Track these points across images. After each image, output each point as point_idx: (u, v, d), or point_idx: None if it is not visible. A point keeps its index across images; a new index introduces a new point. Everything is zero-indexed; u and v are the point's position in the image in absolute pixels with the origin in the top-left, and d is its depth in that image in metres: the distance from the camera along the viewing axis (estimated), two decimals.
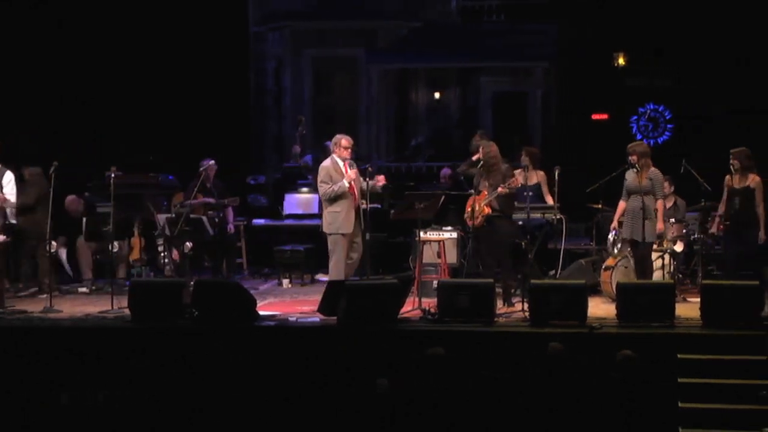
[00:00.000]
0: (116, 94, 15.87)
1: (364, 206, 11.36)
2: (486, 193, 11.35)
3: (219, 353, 9.70)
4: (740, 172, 11.34)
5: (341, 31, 20.22)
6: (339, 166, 11.30)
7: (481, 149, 11.51)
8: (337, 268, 11.23)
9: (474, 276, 11.45)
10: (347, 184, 11.18)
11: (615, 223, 11.52)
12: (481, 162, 11.44)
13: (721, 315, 9.65)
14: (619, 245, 11.80)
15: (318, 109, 19.85)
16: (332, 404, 9.24)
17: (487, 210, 11.30)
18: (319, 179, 11.39)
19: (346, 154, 11.36)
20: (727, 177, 11.44)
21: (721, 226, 11.61)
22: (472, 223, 11.40)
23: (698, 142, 15.98)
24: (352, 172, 11.27)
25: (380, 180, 11.64)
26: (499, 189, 11.24)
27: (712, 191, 12.06)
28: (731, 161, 11.41)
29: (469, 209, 11.47)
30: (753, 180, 11.26)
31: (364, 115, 20.31)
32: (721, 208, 11.52)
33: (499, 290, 11.01)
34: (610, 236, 12.01)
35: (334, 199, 11.22)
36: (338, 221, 11.21)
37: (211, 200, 13.26)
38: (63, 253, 13.51)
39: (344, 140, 11.42)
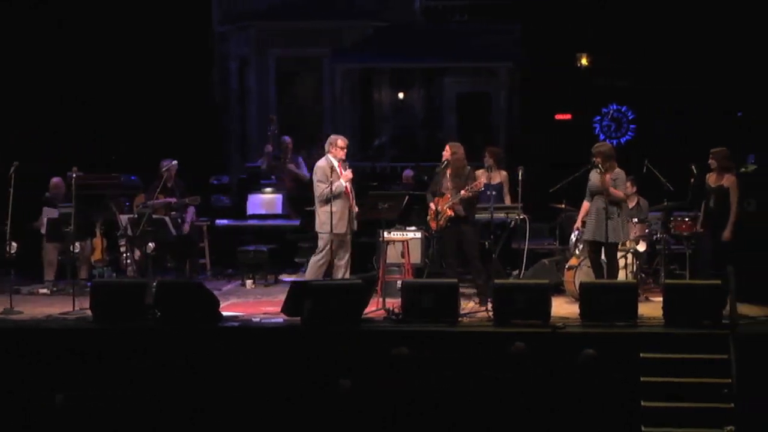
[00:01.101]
0: (78, 93, 15.72)
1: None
2: (449, 195, 11.36)
3: (182, 354, 9.62)
4: (717, 172, 11.46)
5: (306, 31, 20.16)
6: (335, 167, 11.30)
7: (448, 150, 11.51)
8: (315, 267, 11.21)
9: (438, 276, 11.45)
10: (344, 185, 11.20)
11: (579, 223, 11.57)
12: (446, 163, 11.44)
13: (683, 314, 9.69)
14: (581, 246, 11.83)
15: (282, 109, 19.76)
16: (295, 405, 9.19)
17: (450, 212, 11.31)
18: (315, 179, 11.37)
19: (342, 154, 11.37)
20: (707, 176, 11.56)
21: (698, 226, 11.76)
22: (436, 224, 11.41)
23: (661, 142, 16.06)
24: (348, 173, 11.29)
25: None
26: (462, 192, 11.26)
27: (674, 191, 12.11)
28: (709, 160, 11.52)
29: (432, 211, 11.47)
30: (728, 180, 11.35)
31: (328, 114, 20.26)
32: (704, 207, 11.65)
33: (464, 290, 11.01)
34: (573, 236, 12.05)
35: (329, 199, 11.21)
36: (334, 221, 11.20)
37: (173, 200, 13.17)
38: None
39: (340, 140, 11.44)
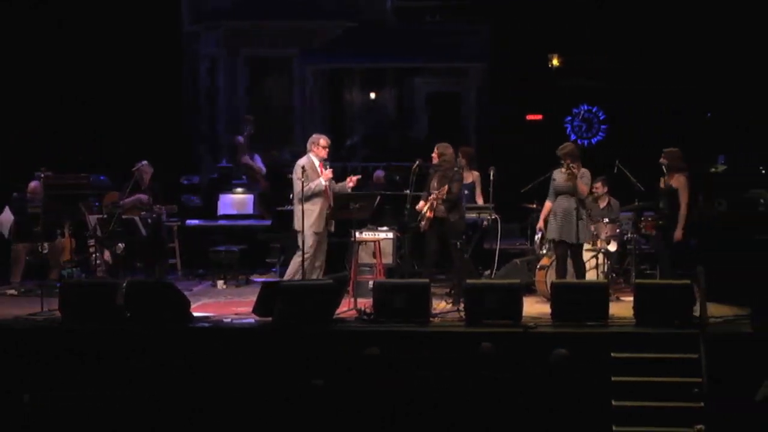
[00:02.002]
0: (46, 92, 15.64)
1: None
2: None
3: (152, 355, 9.61)
4: (669, 172, 11.53)
5: (276, 30, 20.10)
6: (315, 165, 11.32)
7: (436, 152, 11.55)
8: (298, 267, 11.23)
9: (410, 276, 11.49)
10: (324, 183, 11.22)
11: (541, 223, 11.59)
12: (433, 165, 11.49)
13: (654, 314, 9.76)
14: (545, 246, 11.91)
15: (253, 109, 19.71)
16: (268, 405, 9.20)
17: (430, 214, 11.36)
18: (294, 177, 11.38)
19: (324, 153, 11.40)
20: (662, 178, 11.66)
21: (651, 227, 11.85)
22: (422, 225, 11.45)
23: (632, 142, 16.15)
24: (328, 172, 11.32)
25: (351, 180, 11.63)
26: (431, 197, 11.33)
27: (645, 191, 12.20)
28: (661, 159, 11.60)
29: (418, 209, 11.48)
30: (677, 180, 11.43)
31: (299, 114, 20.22)
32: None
33: (435, 290, 11.06)
34: (537, 236, 12.11)
35: (309, 197, 11.22)
36: (311, 219, 11.22)
37: (142, 197, 13.14)
38: None
39: (322, 140, 11.47)
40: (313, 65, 20.30)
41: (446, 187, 11.40)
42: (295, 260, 11.41)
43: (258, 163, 14.93)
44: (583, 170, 11.10)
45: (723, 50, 16.09)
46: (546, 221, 11.41)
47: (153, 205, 13.22)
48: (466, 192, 12.08)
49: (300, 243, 11.31)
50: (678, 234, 11.37)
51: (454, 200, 11.38)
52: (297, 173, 11.34)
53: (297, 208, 11.35)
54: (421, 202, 11.53)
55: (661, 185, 11.71)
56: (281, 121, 19.41)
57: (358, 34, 20.17)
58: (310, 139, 11.57)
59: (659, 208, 11.74)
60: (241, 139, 15.50)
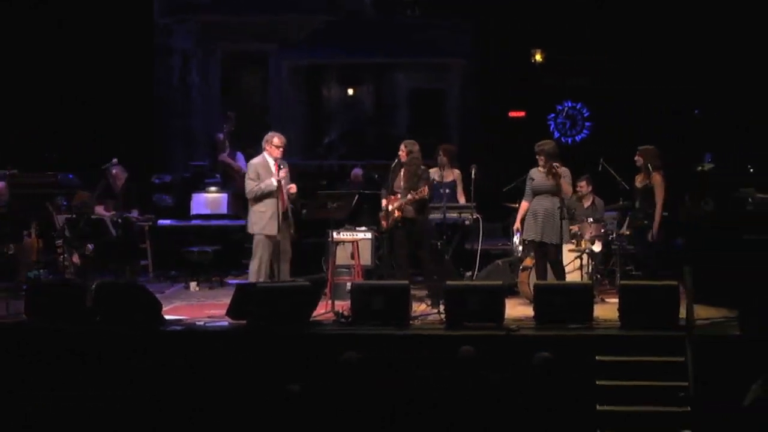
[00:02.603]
0: (11, 88, 15.57)
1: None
2: (400, 195, 11.42)
3: (123, 359, 9.57)
4: (644, 171, 11.57)
5: (252, 24, 20.06)
6: (269, 165, 11.24)
7: (404, 149, 11.54)
8: (257, 271, 11.17)
9: (388, 278, 11.48)
10: (275, 184, 11.13)
11: (518, 224, 11.55)
12: (396, 162, 11.48)
13: (639, 316, 9.78)
14: (520, 246, 11.92)
15: (227, 106, 19.66)
16: (242, 411, 9.17)
17: (398, 213, 11.36)
18: (247, 177, 11.32)
19: (278, 153, 11.29)
20: (636, 176, 11.71)
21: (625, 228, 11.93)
22: (386, 223, 11.45)
23: (617, 140, 16.18)
24: (282, 172, 11.20)
25: (291, 188, 11.51)
26: (409, 196, 11.33)
27: (630, 190, 12.23)
28: (636, 157, 11.62)
29: (384, 210, 11.52)
30: (653, 179, 11.46)
31: (275, 111, 20.19)
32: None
33: (415, 292, 11.05)
34: (515, 238, 12.11)
35: (260, 198, 11.16)
36: (263, 221, 11.15)
37: (105, 214, 13.09)
38: None
39: (276, 138, 11.36)
40: (290, 60, 20.28)
41: (425, 188, 11.41)
42: (251, 265, 11.34)
43: (240, 161, 14.89)
44: (563, 169, 11.07)
45: (711, 46, 16.15)
46: (522, 222, 11.35)
47: (128, 210, 13.17)
48: (447, 191, 12.08)
49: (253, 246, 11.26)
50: (654, 234, 11.40)
51: (424, 201, 11.39)
52: (249, 173, 11.26)
53: (249, 209, 11.30)
54: (384, 201, 11.50)
55: (637, 184, 11.74)
56: (257, 118, 19.37)
57: (337, 29, 20.15)
58: (265, 138, 11.47)
59: (635, 208, 11.78)
60: (221, 136, 15.47)
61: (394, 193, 11.49)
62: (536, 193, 11.07)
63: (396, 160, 11.54)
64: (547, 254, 11.10)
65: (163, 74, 19.40)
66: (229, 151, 15.02)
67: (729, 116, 15.77)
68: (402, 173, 11.55)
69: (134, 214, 13.56)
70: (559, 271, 11.07)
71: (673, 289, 9.88)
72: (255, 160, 11.37)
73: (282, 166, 11.30)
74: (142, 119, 17.29)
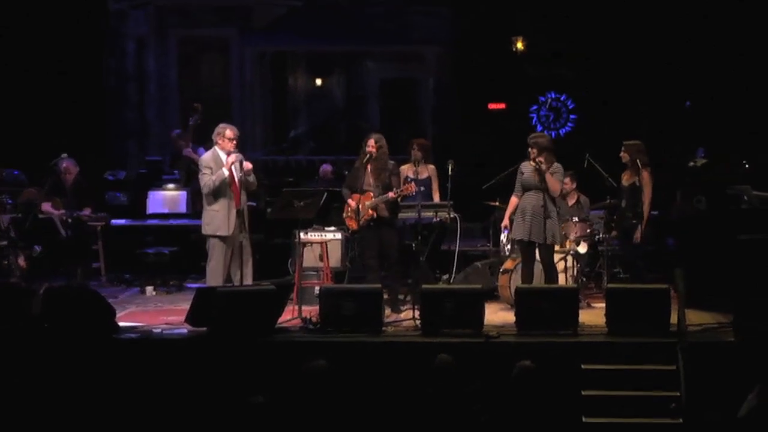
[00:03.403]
0: None
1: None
2: (372, 194, 11.41)
3: (73, 370, 9.52)
4: (631, 167, 11.61)
5: (211, 8, 20.04)
6: (221, 159, 11.18)
7: (372, 143, 11.54)
8: (214, 274, 11.13)
9: (360, 281, 11.48)
10: (226, 173, 11.04)
11: (506, 221, 11.54)
12: (369, 157, 11.49)
13: (627, 321, 9.81)
14: (508, 246, 11.94)
15: (185, 96, 19.63)
16: (202, 424, 9.16)
17: (372, 213, 11.37)
18: (200, 173, 11.26)
19: (231, 146, 11.21)
20: (623, 174, 11.75)
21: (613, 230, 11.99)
22: (355, 224, 11.44)
23: (603, 134, 16.24)
24: (232, 157, 11.10)
25: (247, 166, 11.37)
26: (390, 194, 11.34)
27: (618, 187, 12.26)
28: (621, 153, 11.67)
29: (351, 209, 11.50)
30: (641, 176, 11.50)
31: (237, 102, 20.17)
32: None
33: (388, 296, 11.07)
34: (503, 236, 12.13)
35: (215, 196, 11.10)
36: (216, 221, 11.09)
37: (54, 213, 13.04)
38: None
39: (229, 131, 11.27)
40: (253, 47, 20.27)
41: (413, 184, 11.43)
42: (207, 269, 11.30)
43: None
44: (556, 165, 11.03)
45: (703, 32, 16.24)
46: (512, 219, 11.36)
47: (80, 209, 13.12)
48: (421, 188, 12.09)
49: (208, 248, 11.22)
50: (638, 235, 11.46)
51: (395, 199, 11.42)
52: (202, 169, 11.20)
53: (203, 211, 11.25)
54: (351, 201, 11.47)
55: (624, 182, 11.79)
56: (217, 109, 19.32)
57: (304, 13, 20.16)
58: (216, 131, 11.37)
59: (621, 207, 11.83)
60: (176, 133, 15.45)
61: (363, 192, 11.47)
62: (526, 188, 11.04)
63: (366, 156, 11.52)
64: (539, 255, 11.07)
65: (116, 63, 19.35)
66: (192, 146, 14.98)
67: (723, 108, 15.85)
68: (370, 169, 11.54)
69: (86, 212, 13.49)
70: (552, 274, 11.06)
71: (664, 293, 9.91)
72: (206, 155, 11.31)
73: (233, 156, 11.15)
74: (94, 111, 17.22)
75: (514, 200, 11.26)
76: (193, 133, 15.20)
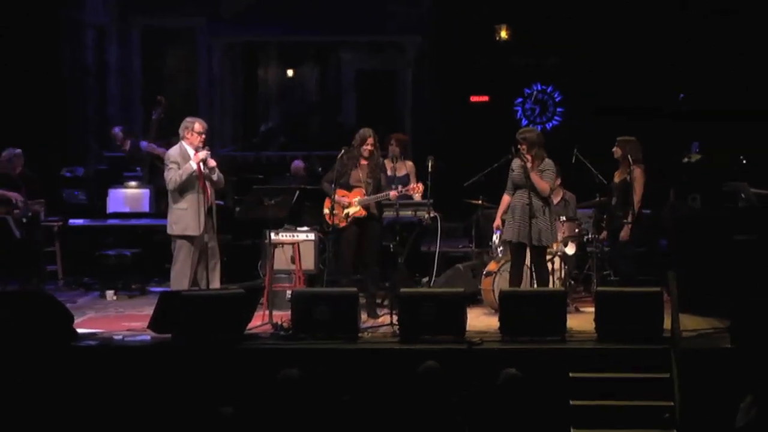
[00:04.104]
0: None
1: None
2: (363, 190, 11.38)
3: (28, 380, 9.47)
4: (623, 164, 11.63)
5: None
6: (188, 154, 11.12)
7: (372, 142, 11.49)
8: (179, 277, 11.08)
9: (334, 284, 11.45)
10: (194, 166, 10.98)
11: (498, 221, 11.56)
12: (357, 152, 11.45)
13: (618, 327, 9.79)
14: (501, 248, 11.92)
15: (149, 89, 19.59)
16: None
17: (363, 212, 11.35)
18: (166, 168, 11.19)
19: (199, 141, 11.16)
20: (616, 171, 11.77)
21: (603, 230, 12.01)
22: (338, 221, 11.39)
23: (592, 128, 16.28)
24: (202, 153, 11.05)
25: (210, 163, 11.31)
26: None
27: (607, 184, 12.27)
28: (614, 149, 11.68)
29: (337, 205, 11.43)
30: (634, 173, 11.51)
31: (204, 96, 20.16)
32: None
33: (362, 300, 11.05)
34: (495, 237, 12.12)
35: (181, 193, 11.05)
36: (184, 221, 11.04)
37: (12, 194, 12.96)
38: None
39: (197, 124, 11.22)
40: (220, 38, 20.25)
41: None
42: (172, 271, 11.26)
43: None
44: (546, 161, 11.00)
45: (699, 20, 16.29)
46: (503, 219, 11.34)
47: (27, 201, 13.02)
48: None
49: (174, 250, 11.17)
50: (624, 233, 11.48)
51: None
52: (168, 163, 11.13)
53: (169, 210, 11.19)
54: (342, 195, 11.42)
55: (615, 179, 11.80)
56: (184, 102, 19.30)
57: (275, 1, 20.15)
58: (183, 124, 11.32)
59: (611, 206, 11.84)
60: (118, 131, 15.42)
61: (351, 188, 11.44)
62: (516, 187, 11.03)
63: (354, 150, 11.48)
64: (524, 257, 11.04)
65: (73, 54, 19.25)
66: (147, 142, 14.94)
67: (719, 100, 15.90)
68: (364, 165, 11.49)
69: (38, 207, 13.42)
70: (542, 278, 11.04)
71: (657, 297, 9.91)
72: (172, 150, 11.23)
73: (201, 151, 11.11)
74: (51, 104, 17.14)
75: (506, 199, 11.24)
76: (157, 128, 15.14)
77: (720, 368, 9.23)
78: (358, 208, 11.40)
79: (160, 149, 14.87)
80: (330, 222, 11.59)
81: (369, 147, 11.47)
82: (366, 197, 11.41)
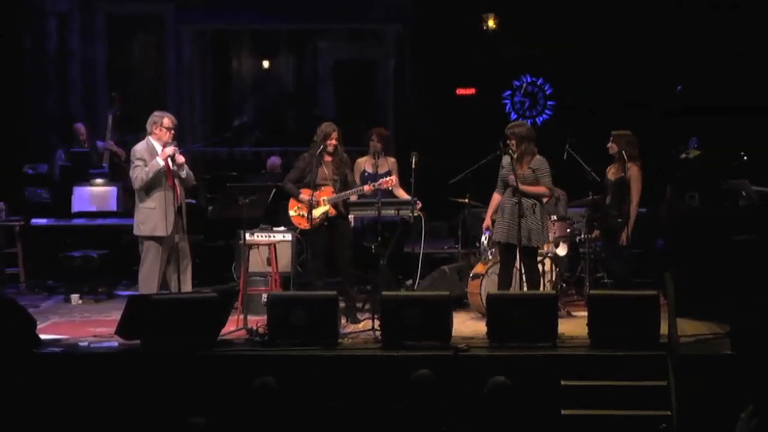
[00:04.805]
0: None
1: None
2: (331, 188, 11.40)
3: None
4: (619, 160, 11.65)
5: None
6: (155, 150, 11.13)
7: (336, 136, 11.50)
8: (148, 280, 11.08)
9: (312, 287, 11.48)
10: (161, 162, 10.98)
11: (488, 221, 11.56)
12: (334, 150, 11.47)
13: (612, 332, 9.83)
14: (493, 249, 11.93)
15: (115, 80, 19.56)
16: None
17: (333, 211, 11.36)
18: (132, 165, 11.17)
19: (168, 136, 11.17)
20: (608, 168, 11.79)
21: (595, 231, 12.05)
22: (308, 223, 11.39)
23: (585, 122, 16.32)
24: (169, 149, 11.05)
25: (179, 159, 11.33)
26: (366, 187, 11.35)
27: (602, 182, 12.31)
28: (609, 144, 11.70)
29: (302, 206, 11.44)
30: (630, 171, 11.53)
31: (173, 87, 20.12)
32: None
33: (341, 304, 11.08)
34: (484, 237, 12.15)
35: (148, 191, 11.05)
36: (152, 220, 11.04)
37: None
38: None
39: (167, 119, 11.23)
40: (191, 25, 20.20)
41: (392, 178, 11.45)
42: (140, 274, 11.26)
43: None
44: (538, 158, 11.02)
45: (696, 8, 16.34)
46: (494, 219, 11.36)
47: None
48: None
49: (143, 252, 11.18)
50: (623, 236, 11.50)
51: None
52: (134, 160, 11.12)
53: (137, 207, 11.19)
54: (305, 196, 11.41)
55: (610, 176, 11.83)
56: (151, 95, 19.28)
57: None
58: (151, 119, 11.32)
59: (605, 204, 11.87)
60: (80, 126, 15.43)
61: (317, 186, 11.45)
62: (507, 185, 11.04)
63: (320, 147, 11.49)
64: (514, 259, 11.06)
65: (34, 42, 19.20)
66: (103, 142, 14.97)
67: (718, 92, 15.95)
68: (329, 162, 11.51)
69: (2, 211, 13.43)
70: (532, 280, 11.07)
71: (653, 300, 9.95)
72: (138, 146, 11.23)
73: (169, 147, 11.11)
74: (10, 96, 17.10)
75: (496, 198, 11.26)
76: (114, 127, 15.16)
77: (719, 376, 9.27)
78: (327, 207, 11.41)
79: (118, 148, 14.90)
80: (298, 225, 11.62)
81: (333, 142, 11.48)
82: (335, 195, 11.42)
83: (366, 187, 11.45)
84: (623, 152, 11.58)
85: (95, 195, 14.39)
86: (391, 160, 12.84)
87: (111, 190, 14.23)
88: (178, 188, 11.11)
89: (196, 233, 13.21)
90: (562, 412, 9.28)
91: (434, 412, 8.17)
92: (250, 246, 11.84)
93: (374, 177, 12.23)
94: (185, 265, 11.17)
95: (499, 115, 17.68)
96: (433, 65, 18.22)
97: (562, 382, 9.41)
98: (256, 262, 12.08)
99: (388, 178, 11.65)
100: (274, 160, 15.86)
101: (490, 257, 12.00)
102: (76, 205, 14.34)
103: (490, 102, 18.16)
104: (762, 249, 11.08)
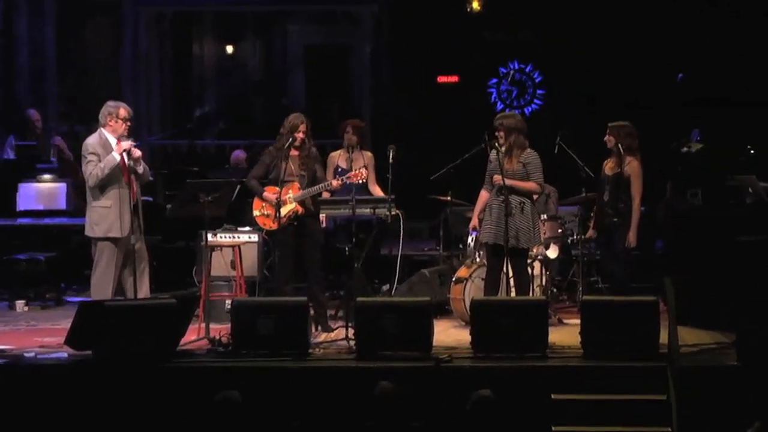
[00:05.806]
0: None
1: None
2: (298, 184, 11.38)
3: None
4: (616, 154, 11.64)
5: None
6: (109, 144, 11.09)
7: (304, 128, 11.49)
8: (101, 285, 11.05)
9: (280, 293, 11.46)
10: (117, 158, 10.95)
11: (475, 220, 11.52)
12: (302, 144, 11.46)
13: (607, 341, 9.84)
14: (481, 252, 11.93)
15: (66, 67, 19.53)
16: None
17: (300, 208, 11.35)
18: (84, 160, 11.13)
19: (124, 129, 11.14)
20: (604, 162, 11.78)
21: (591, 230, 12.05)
22: (275, 223, 11.37)
23: (577, 113, 16.35)
24: (126, 143, 11.03)
25: (135, 153, 11.29)
26: (334, 182, 11.33)
27: (597, 178, 12.33)
28: (606, 137, 11.70)
29: (267, 205, 11.43)
30: (630, 165, 11.52)
31: (129, 75, 20.10)
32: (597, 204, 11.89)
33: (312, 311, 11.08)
34: (470, 239, 12.15)
35: (103, 189, 11.02)
36: (107, 221, 11.00)
37: None
38: None
39: (122, 110, 11.19)
40: (148, 7, 20.20)
41: (361, 171, 11.44)
42: (92, 278, 11.22)
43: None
44: (528, 152, 11.01)
45: None
46: (481, 218, 11.34)
47: None
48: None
49: (95, 255, 11.14)
50: (632, 237, 11.48)
51: (318, 193, 11.44)
52: (86, 154, 11.07)
53: (89, 207, 11.15)
54: (270, 195, 11.40)
55: (606, 171, 11.82)
56: (104, 82, 19.25)
57: None
58: (105, 109, 11.28)
59: (601, 202, 11.87)
60: (33, 112, 15.40)
61: (284, 183, 11.42)
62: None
63: (289, 140, 11.47)
64: (502, 261, 11.04)
65: None
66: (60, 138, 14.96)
67: (722, 81, 15.99)
68: (296, 156, 11.49)
69: None
70: (522, 284, 11.07)
71: (651, 307, 9.96)
72: (91, 139, 11.17)
73: (124, 140, 11.08)
74: None
75: (483, 195, 11.22)
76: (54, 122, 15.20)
77: (724, 389, 9.30)
78: (293, 204, 11.39)
79: (68, 152, 14.88)
80: (263, 226, 11.60)
81: (301, 135, 11.46)
82: (301, 192, 11.40)
83: (334, 182, 11.44)
84: (621, 146, 11.56)
85: (42, 192, 14.37)
86: (368, 154, 12.83)
87: (60, 187, 14.20)
88: (134, 185, 11.08)
89: (154, 234, 13.18)
90: (553, 428, 9.28)
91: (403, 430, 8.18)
92: (213, 248, 11.83)
93: (347, 172, 12.22)
94: (142, 268, 11.14)
95: (485, 105, 17.71)
96: (413, 50, 18.24)
97: (553, 396, 9.40)
98: (219, 265, 12.06)
99: (356, 171, 11.60)
100: (239, 154, 15.85)
101: (478, 260, 11.97)
102: (22, 204, 14.32)
103: (475, 91, 18.17)
104: None
